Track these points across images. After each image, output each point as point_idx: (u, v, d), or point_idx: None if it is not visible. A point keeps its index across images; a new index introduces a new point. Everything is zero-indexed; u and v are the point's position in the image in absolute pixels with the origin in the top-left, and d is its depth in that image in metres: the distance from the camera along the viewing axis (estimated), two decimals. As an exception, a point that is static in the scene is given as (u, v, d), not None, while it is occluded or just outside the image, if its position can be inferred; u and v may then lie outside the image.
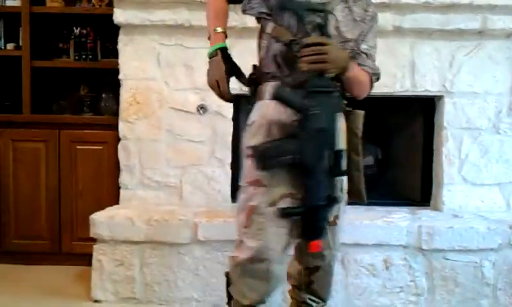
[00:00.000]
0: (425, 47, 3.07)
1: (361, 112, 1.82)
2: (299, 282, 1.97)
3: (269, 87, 1.74)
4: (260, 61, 1.82)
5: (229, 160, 3.12)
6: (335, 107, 1.69)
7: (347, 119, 1.80)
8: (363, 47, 1.81)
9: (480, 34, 3.03)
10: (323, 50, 1.62)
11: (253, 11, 1.79)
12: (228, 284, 1.79)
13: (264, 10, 1.76)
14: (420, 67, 3.06)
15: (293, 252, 1.93)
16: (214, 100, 3.02)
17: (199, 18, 2.99)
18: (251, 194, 1.71)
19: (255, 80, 1.83)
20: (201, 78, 3.00)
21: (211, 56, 1.77)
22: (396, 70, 3.05)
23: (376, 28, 1.85)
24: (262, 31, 1.80)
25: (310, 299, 1.97)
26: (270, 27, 1.74)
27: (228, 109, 3.08)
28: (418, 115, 3.31)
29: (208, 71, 1.78)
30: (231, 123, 3.12)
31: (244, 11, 1.82)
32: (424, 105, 3.26)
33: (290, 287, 2.04)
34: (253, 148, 1.69)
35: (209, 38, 1.81)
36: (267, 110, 1.73)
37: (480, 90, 3.08)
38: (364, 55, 1.81)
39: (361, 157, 1.82)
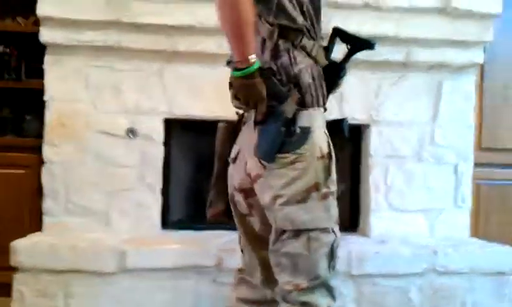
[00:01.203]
0: (352, 77, 3.15)
1: None
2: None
3: (320, 115, 1.68)
4: (304, 81, 1.63)
5: (160, 185, 3.06)
6: None
7: None
8: None
9: (405, 65, 3.16)
10: None
11: None
12: None
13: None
14: (347, 96, 3.13)
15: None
16: (144, 124, 3.02)
17: (129, 40, 2.95)
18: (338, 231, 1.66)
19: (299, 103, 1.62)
20: (131, 100, 3.02)
21: (249, 76, 1.51)
22: (325, 99, 3.12)
23: None
24: (294, 47, 1.64)
25: None
26: (314, 47, 1.67)
27: (158, 132, 3.03)
28: (345, 143, 3.38)
29: (247, 91, 1.54)
30: (162, 148, 3.06)
31: None
32: (351, 134, 3.33)
33: None
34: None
35: (237, 55, 1.51)
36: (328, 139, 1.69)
37: (405, 119, 3.19)
38: None
39: None
